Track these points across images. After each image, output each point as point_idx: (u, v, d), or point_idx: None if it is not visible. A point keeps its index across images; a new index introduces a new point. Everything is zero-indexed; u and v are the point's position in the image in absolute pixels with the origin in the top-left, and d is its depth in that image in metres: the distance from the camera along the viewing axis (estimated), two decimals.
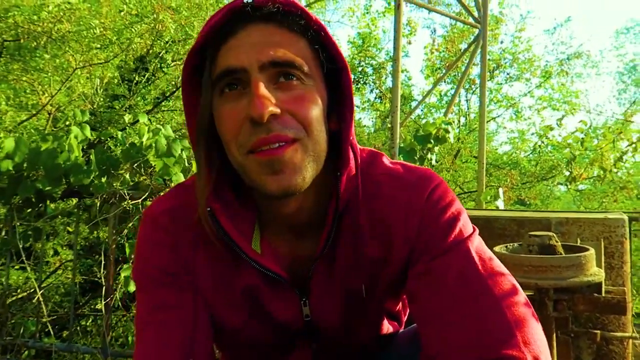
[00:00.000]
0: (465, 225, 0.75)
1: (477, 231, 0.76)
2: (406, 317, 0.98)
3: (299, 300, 0.80)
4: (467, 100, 11.86)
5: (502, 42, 12.24)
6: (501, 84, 12.50)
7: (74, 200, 3.00)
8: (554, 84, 12.71)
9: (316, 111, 0.68)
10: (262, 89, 0.64)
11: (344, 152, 0.73)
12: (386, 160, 0.81)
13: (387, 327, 0.91)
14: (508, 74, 12.09)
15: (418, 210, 0.75)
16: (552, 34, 14.67)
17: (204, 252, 0.79)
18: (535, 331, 0.66)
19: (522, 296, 0.70)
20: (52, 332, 2.98)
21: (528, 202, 8.78)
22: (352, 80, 0.73)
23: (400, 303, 0.94)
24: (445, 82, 11.02)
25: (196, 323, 0.78)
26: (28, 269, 3.11)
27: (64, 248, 6.55)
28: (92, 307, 5.48)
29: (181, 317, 0.77)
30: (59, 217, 3.54)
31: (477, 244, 0.74)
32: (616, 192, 6.49)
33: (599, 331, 1.84)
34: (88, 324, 5.17)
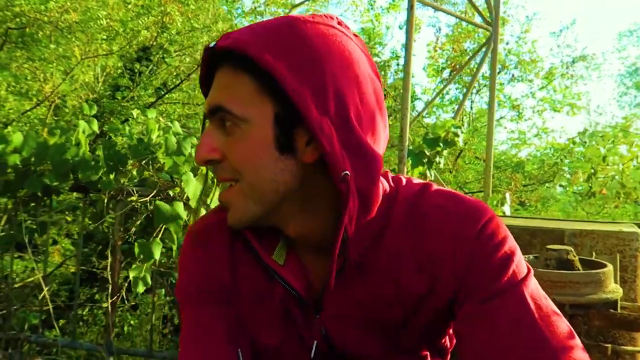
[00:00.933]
0: (519, 265, 0.72)
1: (532, 272, 0.73)
2: (452, 348, 0.95)
3: (314, 316, 0.80)
4: (471, 101, 11.84)
5: (507, 44, 12.22)
6: (503, 84, 12.49)
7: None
8: (556, 86, 12.71)
9: (248, 153, 0.69)
10: (203, 137, 0.71)
11: (339, 190, 0.67)
12: (435, 190, 0.78)
13: None
14: (513, 75, 12.08)
15: (468, 243, 0.71)
16: (558, 37, 14.62)
17: (242, 267, 0.81)
18: None
19: (577, 341, 0.68)
20: (56, 327, 2.97)
21: (528, 204, 8.80)
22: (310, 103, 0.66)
23: (447, 337, 0.92)
24: (448, 80, 10.97)
25: (237, 339, 0.79)
26: (33, 264, 3.09)
27: (62, 237, 6.53)
28: (89, 295, 5.48)
29: (221, 332, 0.79)
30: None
31: (532, 287, 0.71)
32: (617, 196, 6.49)
33: (610, 345, 1.84)
34: (84, 312, 5.16)
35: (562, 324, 0.69)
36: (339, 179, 0.66)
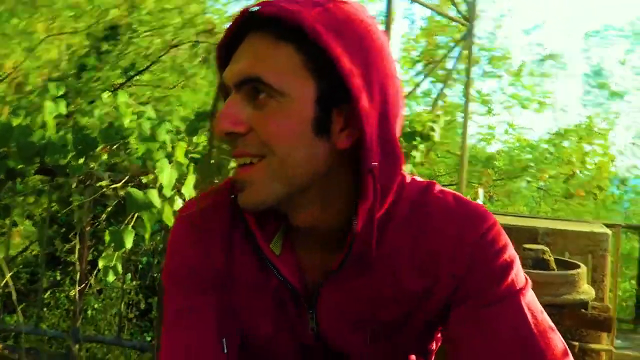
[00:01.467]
0: (518, 275, 0.71)
1: (530, 283, 0.72)
2: (436, 350, 0.95)
3: (306, 310, 0.78)
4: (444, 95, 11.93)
5: (480, 39, 12.35)
6: (473, 78, 12.65)
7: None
8: (524, 83, 12.96)
9: (285, 129, 0.64)
10: (227, 107, 0.65)
11: (362, 181, 0.65)
12: (440, 190, 0.77)
13: None
14: (484, 70, 12.24)
15: (469, 245, 0.70)
16: (529, 34, 14.88)
17: (238, 254, 0.77)
18: None
19: (571, 358, 0.68)
20: (18, 312, 2.85)
21: (496, 199, 9.02)
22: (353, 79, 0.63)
23: (434, 341, 0.91)
24: (424, 74, 11.06)
25: (225, 326, 0.76)
26: None
27: (23, 218, 6.31)
28: (51, 279, 5.34)
29: (210, 319, 0.76)
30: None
31: (529, 298, 0.70)
32: (594, 197, 6.66)
33: (577, 343, 1.89)
34: (46, 296, 5.03)
35: (558, 341, 0.68)
36: (367, 170, 0.64)
